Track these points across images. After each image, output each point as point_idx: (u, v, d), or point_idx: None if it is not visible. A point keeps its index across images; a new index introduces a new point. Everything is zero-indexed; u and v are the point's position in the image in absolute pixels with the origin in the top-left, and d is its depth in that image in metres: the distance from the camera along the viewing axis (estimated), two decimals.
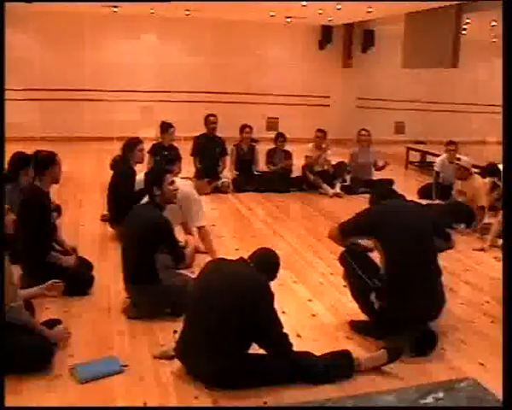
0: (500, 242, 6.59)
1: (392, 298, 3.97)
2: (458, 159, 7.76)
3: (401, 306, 3.92)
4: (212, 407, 3.32)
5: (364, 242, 4.47)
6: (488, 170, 8.15)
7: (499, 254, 6.32)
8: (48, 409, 3.26)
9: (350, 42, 15.90)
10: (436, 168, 8.99)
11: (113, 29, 14.35)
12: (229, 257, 3.92)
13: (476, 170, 7.73)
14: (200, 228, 5.67)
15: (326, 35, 15.73)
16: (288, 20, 14.27)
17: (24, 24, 13.55)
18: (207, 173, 8.69)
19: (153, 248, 4.38)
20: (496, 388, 3.50)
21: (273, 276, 3.70)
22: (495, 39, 15.93)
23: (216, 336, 3.38)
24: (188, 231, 5.96)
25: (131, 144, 6.60)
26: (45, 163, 4.88)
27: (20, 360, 3.45)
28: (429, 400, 2.55)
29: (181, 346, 3.60)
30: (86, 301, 4.66)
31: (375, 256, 4.33)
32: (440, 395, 2.55)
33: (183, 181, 5.79)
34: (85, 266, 5.09)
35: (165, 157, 7.68)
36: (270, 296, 3.48)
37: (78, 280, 4.78)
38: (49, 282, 4.07)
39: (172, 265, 4.63)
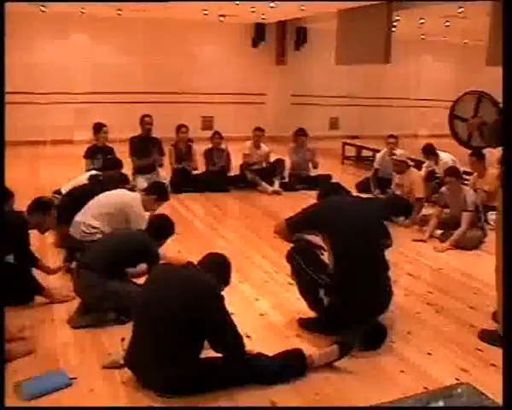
0: (438, 232, 6.78)
1: (341, 294, 3.99)
2: (393, 154, 7.92)
3: (350, 301, 3.94)
4: (218, 406, 3.30)
5: (312, 237, 4.48)
6: (426, 151, 8.42)
7: (439, 245, 6.51)
8: (48, 409, 3.18)
9: (283, 39, 15.97)
10: (375, 165, 9.11)
11: (43, 29, 13.86)
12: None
13: (411, 163, 7.90)
14: None
15: (259, 33, 15.76)
16: (222, 18, 14.22)
17: None
18: (144, 171, 8.70)
19: (135, 262, 4.62)
20: (444, 377, 3.64)
21: (228, 279, 3.71)
22: (423, 36, 16.40)
23: (166, 342, 3.31)
24: None
25: None
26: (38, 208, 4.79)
27: None
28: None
29: (130, 354, 3.50)
30: (28, 311, 4.46)
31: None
32: (440, 403, 2.56)
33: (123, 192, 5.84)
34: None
35: (107, 160, 7.49)
36: (221, 298, 3.44)
37: (25, 287, 4.61)
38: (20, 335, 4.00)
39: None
